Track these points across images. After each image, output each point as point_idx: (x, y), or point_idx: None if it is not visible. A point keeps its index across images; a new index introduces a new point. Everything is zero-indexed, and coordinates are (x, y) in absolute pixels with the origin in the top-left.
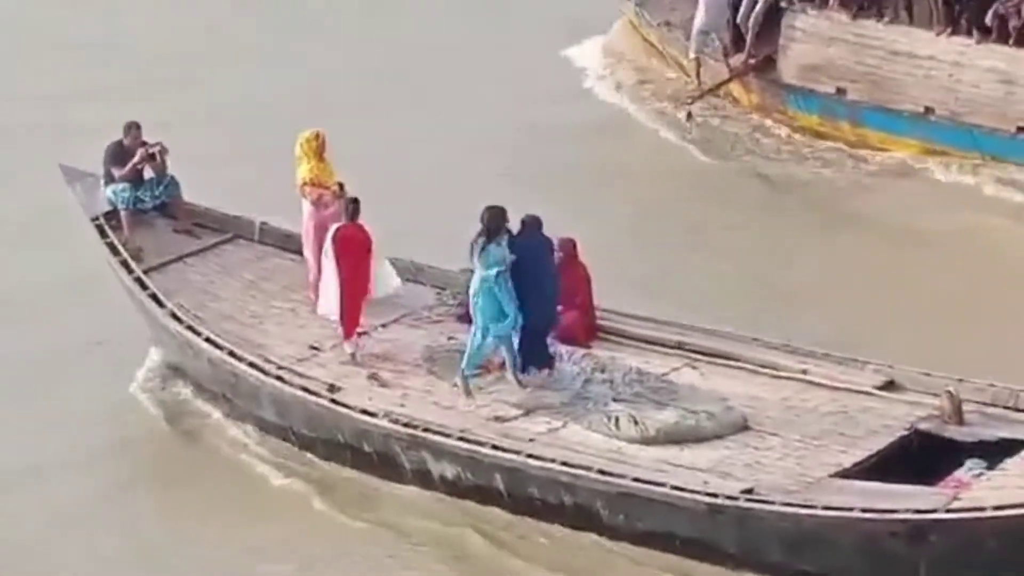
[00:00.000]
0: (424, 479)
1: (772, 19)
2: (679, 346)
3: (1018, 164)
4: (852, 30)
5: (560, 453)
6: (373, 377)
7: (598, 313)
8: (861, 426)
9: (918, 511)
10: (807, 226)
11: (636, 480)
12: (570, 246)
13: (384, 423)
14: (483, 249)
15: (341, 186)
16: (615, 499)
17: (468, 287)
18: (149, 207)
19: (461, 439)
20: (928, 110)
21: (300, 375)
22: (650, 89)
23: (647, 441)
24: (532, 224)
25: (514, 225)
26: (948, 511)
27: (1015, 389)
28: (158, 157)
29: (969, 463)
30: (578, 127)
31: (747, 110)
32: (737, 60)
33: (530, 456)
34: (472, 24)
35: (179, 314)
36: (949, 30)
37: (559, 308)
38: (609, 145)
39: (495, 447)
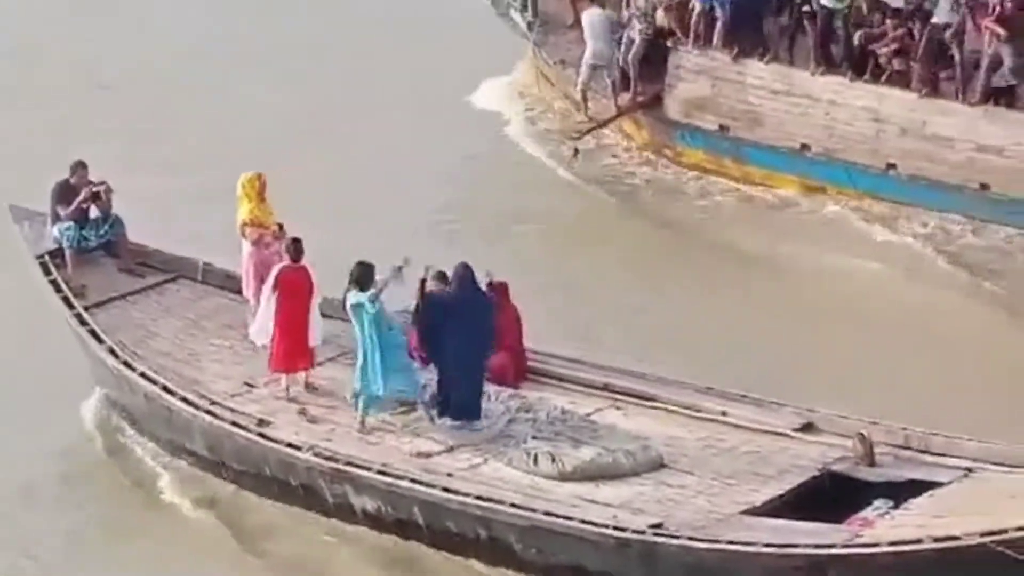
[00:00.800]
0: (347, 513)
1: (660, 58)
2: (605, 387)
3: (888, 200)
4: (734, 69)
5: (477, 488)
6: (303, 412)
7: (528, 354)
8: (774, 466)
9: (817, 546)
10: (694, 263)
11: (547, 514)
12: (502, 289)
13: (307, 456)
14: (351, 301)
15: (280, 227)
16: (527, 533)
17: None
18: (94, 245)
19: (380, 473)
20: (804, 147)
21: (231, 410)
22: (548, 127)
23: (564, 477)
24: (464, 276)
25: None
26: (845, 547)
27: (926, 433)
28: (103, 196)
29: (876, 503)
30: (480, 166)
31: (638, 147)
32: (624, 98)
33: (446, 490)
34: (384, 66)
35: (116, 350)
36: (823, 69)
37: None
38: (508, 184)
39: (413, 481)
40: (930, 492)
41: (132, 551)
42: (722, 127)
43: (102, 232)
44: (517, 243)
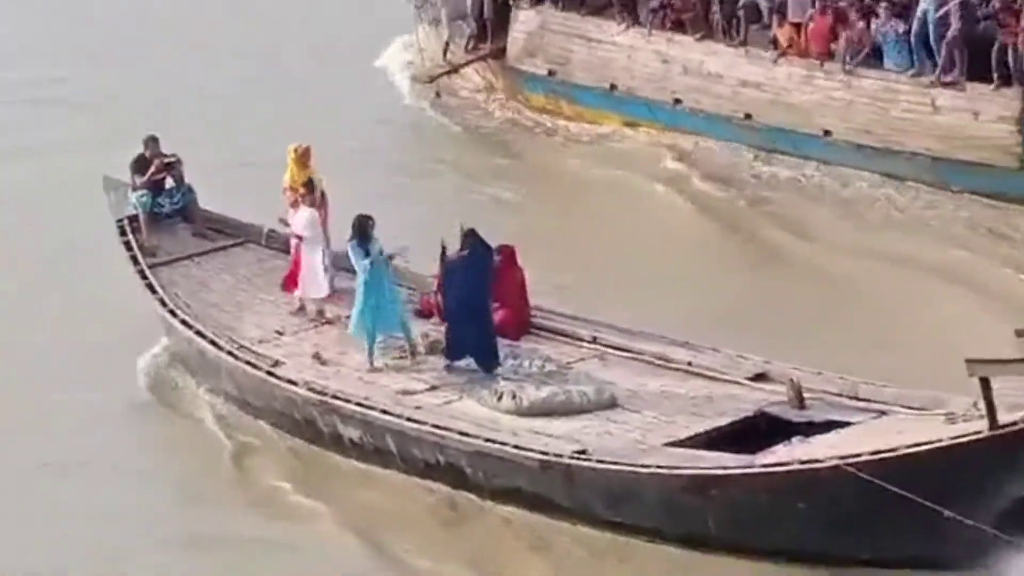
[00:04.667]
0: (338, 443)
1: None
2: (594, 340)
3: (679, 131)
4: (559, 21)
5: (440, 419)
6: (317, 357)
7: (532, 311)
8: (715, 408)
9: (700, 468)
10: (529, 190)
11: (487, 440)
12: (508, 252)
13: (300, 391)
14: (354, 249)
15: (309, 184)
16: (474, 458)
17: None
18: (168, 211)
19: (359, 405)
20: (613, 87)
21: (253, 352)
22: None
23: (520, 412)
24: (470, 239)
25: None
26: (723, 468)
27: (857, 381)
28: (175, 167)
29: (794, 439)
30: (369, 118)
31: (499, 93)
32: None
33: (409, 419)
34: (291, 28)
35: (166, 300)
36: (629, 22)
37: (495, 306)
38: (397, 134)
39: (383, 411)
40: (838, 430)
41: (152, 463)
42: (551, 72)
43: (176, 200)
44: (386, 177)
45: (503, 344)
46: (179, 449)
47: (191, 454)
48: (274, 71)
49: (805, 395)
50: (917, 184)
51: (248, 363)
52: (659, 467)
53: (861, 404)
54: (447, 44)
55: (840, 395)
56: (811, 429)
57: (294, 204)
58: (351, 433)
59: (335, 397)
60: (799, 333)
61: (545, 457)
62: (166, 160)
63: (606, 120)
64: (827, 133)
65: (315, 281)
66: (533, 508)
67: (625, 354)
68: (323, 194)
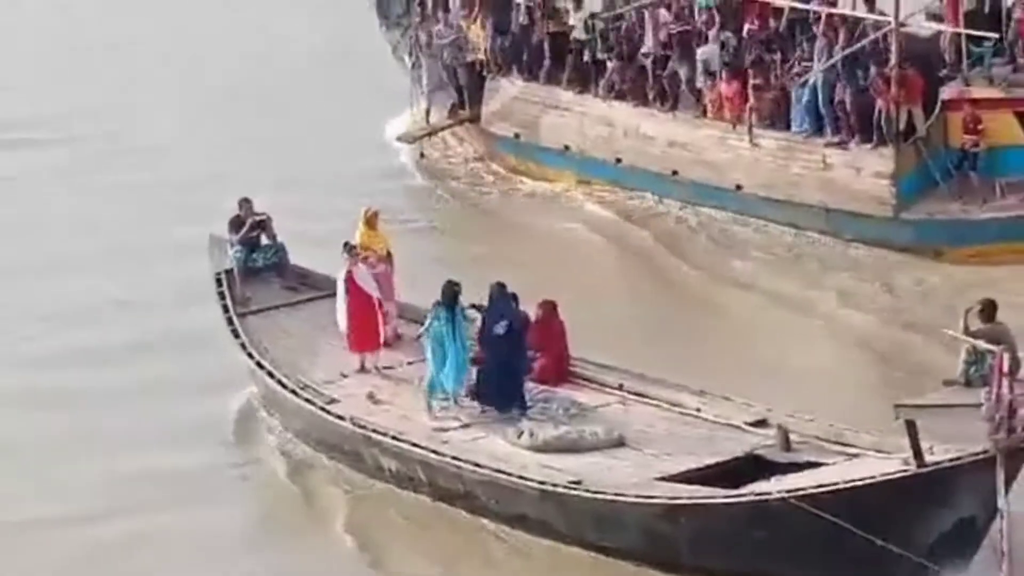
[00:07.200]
0: (379, 472)
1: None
2: (620, 387)
3: (622, 187)
4: (523, 90)
5: (463, 454)
6: (370, 396)
7: (572, 361)
8: (711, 449)
9: (670, 497)
10: (489, 240)
11: (496, 471)
12: (550, 306)
13: (346, 425)
14: (435, 312)
15: (388, 254)
16: (487, 486)
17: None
18: (261, 266)
19: (393, 438)
20: (567, 148)
21: (313, 390)
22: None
23: (536, 449)
24: (498, 292)
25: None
26: (690, 497)
27: (842, 428)
28: (266, 225)
29: (774, 478)
30: (371, 176)
31: (478, 155)
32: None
33: (433, 452)
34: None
35: (245, 344)
36: (579, 88)
37: (530, 356)
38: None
39: (413, 444)
40: (811, 470)
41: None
42: (516, 135)
43: (268, 255)
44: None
45: (540, 389)
46: (244, 475)
47: (253, 481)
48: (296, 130)
49: (793, 439)
50: (814, 233)
51: (307, 400)
52: (636, 496)
53: (841, 448)
54: (428, 109)
55: (825, 440)
56: (793, 469)
57: (363, 260)
58: (390, 464)
59: (374, 431)
60: (702, 362)
61: (542, 486)
62: (258, 219)
63: (563, 178)
64: (739, 187)
65: (371, 336)
66: (537, 532)
67: (644, 400)
68: (389, 253)
